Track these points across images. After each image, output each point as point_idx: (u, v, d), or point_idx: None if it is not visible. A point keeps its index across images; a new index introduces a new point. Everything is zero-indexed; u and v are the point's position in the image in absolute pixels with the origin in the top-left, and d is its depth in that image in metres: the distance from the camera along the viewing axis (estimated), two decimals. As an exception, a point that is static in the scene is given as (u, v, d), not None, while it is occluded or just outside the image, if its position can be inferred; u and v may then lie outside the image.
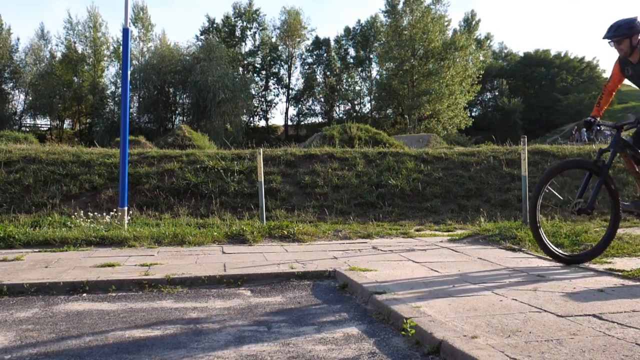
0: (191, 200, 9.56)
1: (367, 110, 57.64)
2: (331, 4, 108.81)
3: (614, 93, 4.98)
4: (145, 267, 4.65)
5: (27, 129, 45.90)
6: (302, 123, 59.51)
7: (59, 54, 50.60)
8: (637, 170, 4.67)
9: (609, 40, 4.61)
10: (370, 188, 10.02)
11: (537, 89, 64.44)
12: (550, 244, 4.72)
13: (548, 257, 5.11)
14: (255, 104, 55.72)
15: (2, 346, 2.72)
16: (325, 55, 59.90)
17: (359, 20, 65.17)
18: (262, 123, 59.02)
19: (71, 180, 9.90)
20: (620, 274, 4.21)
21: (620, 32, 4.51)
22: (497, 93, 65.05)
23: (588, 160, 4.76)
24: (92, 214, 7.63)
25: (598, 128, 4.78)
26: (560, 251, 4.76)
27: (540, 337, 2.56)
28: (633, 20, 4.55)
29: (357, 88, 59.37)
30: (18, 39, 66.26)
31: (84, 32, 50.35)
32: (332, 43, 60.41)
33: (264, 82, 58.54)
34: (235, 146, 18.84)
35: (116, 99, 46.84)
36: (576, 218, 4.52)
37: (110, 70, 52.25)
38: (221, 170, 10.40)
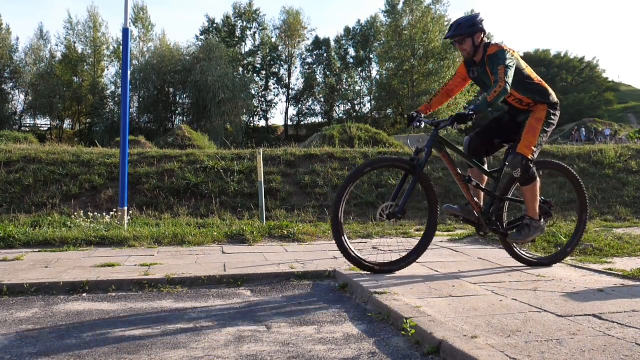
0: (191, 200, 9.56)
1: (367, 110, 57.65)
2: (331, 4, 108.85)
3: (452, 95, 4.64)
4: (145, 267, 4.65)
5: (27, 129, 45.90)
6: (302, 123, 59.51)
7: (59, 54, 50.66)
8: (457, 171, 4.33)
9: (452, 41, 4.33)
10: (370, 188, 10.02)
11: (537, 89, 64.39)
12: (354, 251, 4.15)
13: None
14: (255, 104, 55.72)
15: (2, 346, 2.72)
16: (325, 55, 59.88)
17: (359, 20, 65.33)
18: (262, 123, 59.07)
19: (71, 180, 9.90)
20: (620, 274, 4.21)
21: (460, 31, 4.19)
22: (497, 93, 64.93)
23: (402, 159, 4.37)
24: (92, 214, 7.63)
25: (418, 124, 4.30)
26: (367, 260, 4.21)
27: (540, 337, 2.56)
28: (474, 17, 4.26)
29: (357, 88, 59.38)
30: (18, 39, 66.30)
31: (84, 32, 50.38)
32: (332, 43, 60.42)
33: (264, 82, 58.54)
34: (235, 146, 18.86)
35: (116, 99, 46.85)
36: (388, 224, 4.09)
37: (110, 70, 52.32)
38: (221, 170, 10.40)
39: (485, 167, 4.58)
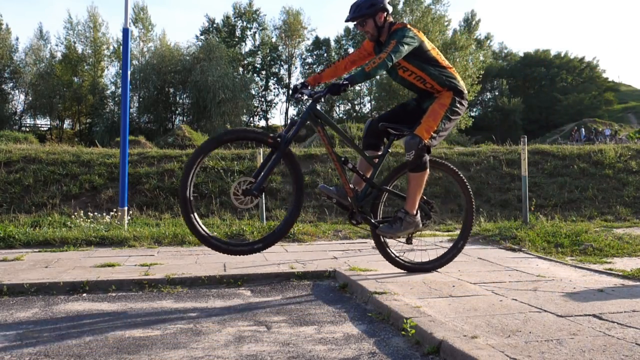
0: (191, 200, 9.56)
1: (367, 110, 57.65)
2: (331, 4, 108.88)
3: (350, 68, 4.21)
4: (145, 267, 4.65)
5: (27, 129, 45.91)
6: (302, 123, 59.44)
7: (59, 54, 50.63)
8: (332, 150, 3.95)
9: (354, 24, 4.05)
10: (370, 188, 10.02)
11: (537, 89, 64.47)
12: (206, 231, 3.72)
13: (548, 257, 5.11)
14: (255, 104, 55.72)
15: (2, 346, 2.72)
16: (325, 55, 59.88)
17: (359, 20, 65.03)
18: (262, 123, 59.00)
19: (71, 180, 9.90)
20: (620, 274, 4.21)
21: (360, 12, 3.93)
22: (497, 93, 65.03)
23: (265, 132, 3.84)
24: (92, 214, 7.63)
25: (300, 95, 3.95)
26: (217, 238, 3.86)
27: (540, 337, 2.56)
28: None
29: (357, 88, 59.34)
30: (17, 39, 66.26)
31: (84, 32, 50.35)
32: (332, 43, 60.42)
33: (264, 82, 58.54)
34: (235, 146, 18.83)
35: (116, 99, 46.84)
36: (241, 201, 3.55)
37: (110, 70, 52.30)
38: (221, 170, 10.40)
39: (377, 154, 4.18)
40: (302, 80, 4.03)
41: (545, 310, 3.07)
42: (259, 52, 58.18)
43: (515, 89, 64.07)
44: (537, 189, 10.01)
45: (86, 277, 4.13)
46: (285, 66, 59.47)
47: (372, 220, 4.11)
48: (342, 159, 3.99)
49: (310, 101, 3.88)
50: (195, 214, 3.68)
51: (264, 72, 58.57)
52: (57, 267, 4.68)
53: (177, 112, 50.63)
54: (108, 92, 50.06)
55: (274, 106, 61.34)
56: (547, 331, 2.66)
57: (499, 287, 3.74)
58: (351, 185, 4.02)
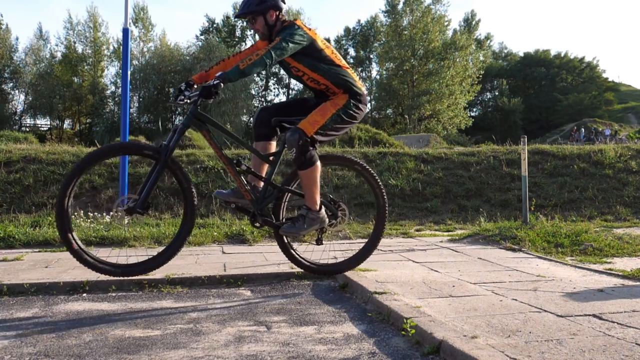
0: (191, 200, 9.56)
1: (367, 110, 57.70)
2: (331, 4, 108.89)
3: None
4: (145, 267, 4.64)
5: (27, 129, 45.88)
6: (302, 123, 59.55)
7: (58, 54, 50.63)
8: (222, 152, 3.79)
9: (245, 21, 3.86)
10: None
11: (537, 89, 64.51)
12: (82, 247, 3.51)
13: (548, 257, 5.11)
14: (256, 104, 55.71)
15: (2, 346, 2.72)
16: (325, 55, 59.92)
17: (359, 20, 65.43)
18: (262, 123, 58.99)
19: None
20: (620, 274, 4.21)
21: (250, 9, 3.73)
22: (497, 93, 65.08)
23: (143, 144, 3.64)
24: (92, 214, 7.63)
25: (184, 100, 3.64)
26: (98, 258, 3.60)
27: (540, 337, 2.56)
28: None
29: (357, 88, 59.38)
30: (17, 39, 66.23)
31: (83, 32, 50.34)
32: (332, 43, 60.46)
33: (264, 82, 58.54)
34: (235, 146, 18.84)
35: (116, 99, 46.83)
36: (127, 219, 3.33)
37: (110, 70, 52.29)
38: (221, 170, 10.39)
39: (273, 145, 3.97)
40: (188, 79, 3.83)
41: (545, 310, 3.07)
42: (259, 52, 58.18)
43: (515, 89, 64.11)
44: (537, 189, 10.01)
45: (86, 277, 4.13)
46: (286, 66, 59.53)
47: (274, 222, 3.87)
48: (234, 160, 3.79)
49: (192, 105, 3.62)
50: (74, 233, 3.49)
51: (264, 72, 58.53)
52: (57, 267, 4.68)
53: (177, 112, 50.61)
54: (108, 92, 50.06)
55: (274, 106, 61.34)
56: (547, 331, 2.66)
57: (499, 287, 3.74)
58: (248, 187, 3.81)
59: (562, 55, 66.72)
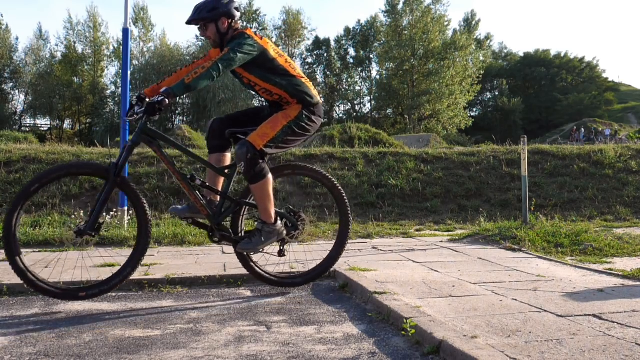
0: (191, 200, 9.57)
1: (367, 110, 57.71)
2: (331, 4, 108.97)
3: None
4: (145, 267, 4.64)
5: (27, 129, 45.90)
6: (302, 123, 59.54)
7: (58, 54, 50.66)
8: (175, 168, 3.71)
9: (198, 27, 3.71)
10: (370, 188, 10.02)
11: (537, 89, 64.53)
12: (32, 273, 3.40)
13: (548, 257, 5.11)
14: (256, 104, 55.73)
15: (2, 346, 2.72)
16: (325, 55, 59.90)
17: (359, 20, 65.42)
18: (262, 123, 59.02)
19: (71, 180, 9.89)
20: (620, 274, 4.21)
21: (201, 15, 3.60)
22: (497, 93, 65.11)
23: (92, 163, 3.46)
24: (92, 214, 7.62)
25: (135, 116, 3.49)
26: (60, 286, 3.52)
27: (540, 337, 2.56)
28: None
29: (357, 88, 59.46)
30: (17, 39, 66.22)
31: (83, 32, 50.38)
32: (332, 43, 60.45)
33: (263, 82, 58.53)
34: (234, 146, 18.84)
35: (116, 99, 46.86)
36: (76, 242, 3.40)
37: (110, 70, 52.33)
38: (221, 170, 10.41)
39: (228, 157, 3.87)
40: (140, 93, 3.67)
41: (545, 310, 3.07)
42: (259, 52, 58.18)
43: (515, 89, 64.12)
44: (537, 189, 10.01)
45: (86, 277, 4.13)
46: (286, 66, 59.49)
47: (232, 237, 3.76)
48: (188, 176, 3.68)
49: (141, 120, 3.49)
50: (22, 256, 3.39)
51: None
52: (57, 267, 4.68)
53: (177, 112, 50.66)
54: (108, 92, 50.10)
55: (274, 106, 61.37)
56: (547, 331, 2.66)
57: (499, 287, 3.74)
58: (203, 202, 3.69)
59: (562, 55, 66.75)
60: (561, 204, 9.52)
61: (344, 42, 60.38)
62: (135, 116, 3.51)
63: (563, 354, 2.31)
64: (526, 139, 7.23)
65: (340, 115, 56.69)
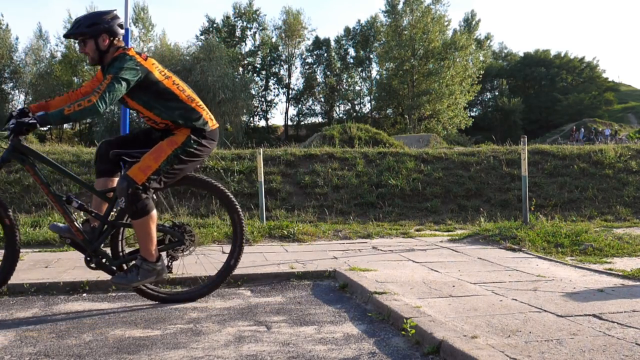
0: (191, 200, 9.56)
1: (367, 110, 57.68)
2: (331, 4, 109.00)
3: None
4: (145, 267, 4.64)
5: (27, 129, 45.83)
6: (302, 123, 59.53)
7: (58, 54, 50.65)
8: (49, 190, 3.49)
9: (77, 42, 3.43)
10: (370, 188, 10.02)
11: (537, 89, 64.51)
12: None
13: (548, 257, 5.11)
14: (255, 104, 55.70)
15: (2, 346, 2.72)
16: (325, 55, 59.88)
17: (359, 20, 65.35)
18: (262, 123, 59.03)
19: (71, 180, 9.90)
20: (620, 274, 4.21)
21: (79, 30, 3.33)
22: (497, 93, 65.06)
23: None
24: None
25: (12, 125, 3.19)
26: None
27: (540, 337, 2.56)
28: (99, 14, 3.40)
29: (357, 88, 59.39)
30: (17, 39, 66.25)
31: (84, 32, 50.34)
32: (332, 43, 60.39)
33: (264, 82, 58.51)
34: (235, 146, 18.84)
35: (116, 99, 46.79)
36: None
37: (111, 70, 52.26)
38: (221, 170, 10.40)
39: (115, 182, 3.57)
40: (23, 106, 3.38)
41: (545, 310, 3.07)
42: (259, 52, 58.16)
43: (515, 89, 64.09)
44: (537, 189, 10.01)
45: (86, 277, 4.14)
46: (286, 66, 59.48)
47: (108, 265, 3.53)
48: (64, 197, 3.47)
49: (13, 136, 3.25)
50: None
51: (264, 72, 58.54)
52: (57, 267, 4.68)
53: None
54: (108, 92, 50.01)
55: (274, 106, 61.39)
56: (547, 331, 2.66)
57: (499, 287, 3.75)
58: (79, 226, 3.50)
59: (562, 55, 66.71)
60: (561, 204, 9.52)
61: (344, 42, 60.35)
62: (8, 132, 3.28)
63: (563, 354, 2.31)
64: (526, 139, 7.23)
65: (340, 115, 56.66)
